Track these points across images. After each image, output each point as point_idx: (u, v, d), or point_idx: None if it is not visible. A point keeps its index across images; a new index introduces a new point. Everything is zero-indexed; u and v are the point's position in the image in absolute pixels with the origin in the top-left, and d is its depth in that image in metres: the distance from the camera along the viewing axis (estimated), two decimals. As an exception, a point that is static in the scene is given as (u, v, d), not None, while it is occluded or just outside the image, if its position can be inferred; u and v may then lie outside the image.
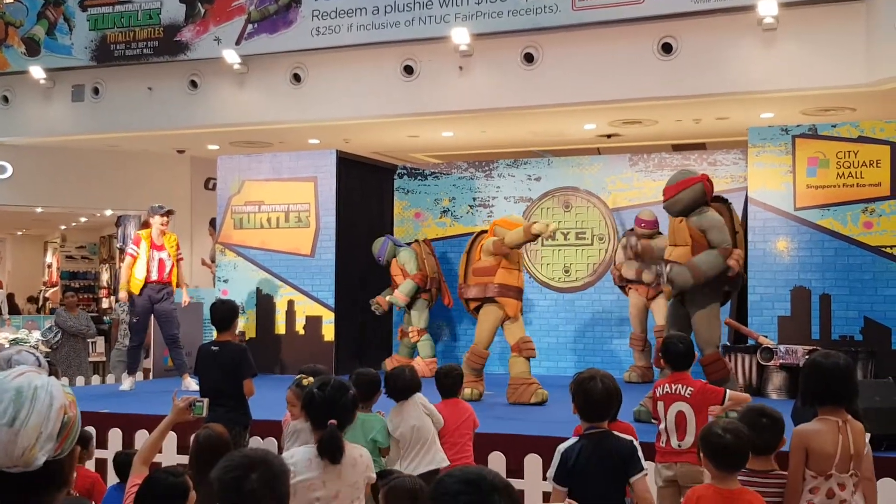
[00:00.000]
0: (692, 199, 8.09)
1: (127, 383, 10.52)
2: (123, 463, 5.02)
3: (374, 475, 4.13)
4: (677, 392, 5.44)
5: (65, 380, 9.95)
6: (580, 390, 4.26)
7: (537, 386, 9.15)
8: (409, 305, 12.13)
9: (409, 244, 12.44)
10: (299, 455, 4.09)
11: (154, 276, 10.41)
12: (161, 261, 10.45)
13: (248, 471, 2.70)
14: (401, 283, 12.00)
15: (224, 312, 6.97)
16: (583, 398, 4.25)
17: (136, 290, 10.39)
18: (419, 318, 12.14)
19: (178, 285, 10.74)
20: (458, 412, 6.12)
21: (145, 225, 11.03)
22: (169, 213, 10.55)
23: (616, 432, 4.34)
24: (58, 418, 1.79)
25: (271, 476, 2.73)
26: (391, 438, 5.68)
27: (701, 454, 4.05)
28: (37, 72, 14.13)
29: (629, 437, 4.32)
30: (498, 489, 1.82)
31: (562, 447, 4.22)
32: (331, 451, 3.97)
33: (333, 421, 4.00)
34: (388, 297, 12.14)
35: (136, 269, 10.40)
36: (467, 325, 12.58)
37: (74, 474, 1.91)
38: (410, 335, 12.13)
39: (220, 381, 6.65)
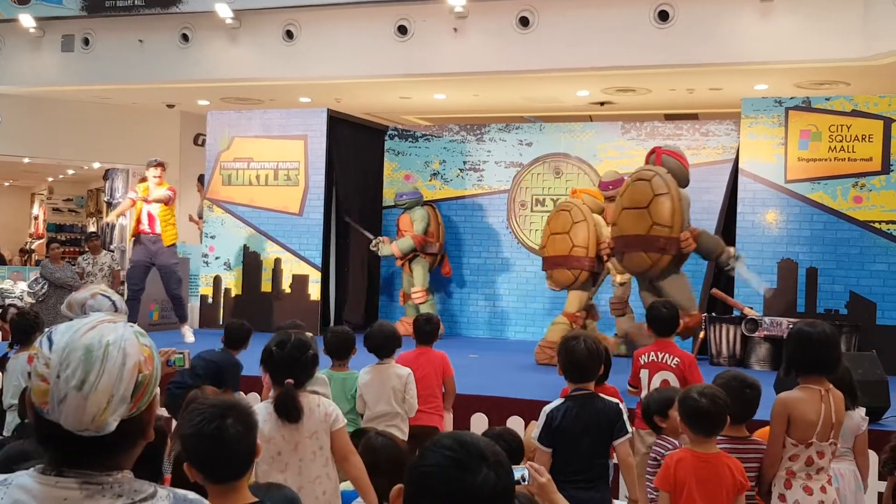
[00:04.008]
0: None
1: None
2: None
3: (342, 425, 4.07)
4: (663, 361, 5.44)
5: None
6: (564, 351, 4.27)
7: None
8: (409, 264, 12.22)
9: (426, 204, 12.46)
10: (258, 411, 4.08)
11: (146, 228, 10.65)
12: (150, 214, 10.68)
13: (223, 418, 2.68)
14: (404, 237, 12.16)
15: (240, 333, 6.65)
16: (566, 358, 4.27)
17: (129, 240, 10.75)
18: (422, 279, 12.20)
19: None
20: (430, 360, 6.15)
21: (144, 180, 11.17)
22: (160, 164, 10.76)
23: (602, 395, 4.35)
24: (131, 378, 1.65)
25: (245, 418, 2.73)
26: (358, 394, 5.68)
27: (679, 418, 4.05)
28: (26, 20, 13.93)
29: (615, 400, 4.33)
30: (486, 457, 1.68)
31: (547, 408, 4.23)
32: (287, 411, 3.93)
33: (290, 380, 3.96)
34: (385, 246, 12.17)
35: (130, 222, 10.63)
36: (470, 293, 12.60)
37: (152, 425, 1.77)
38: (415, 297, 12.14)
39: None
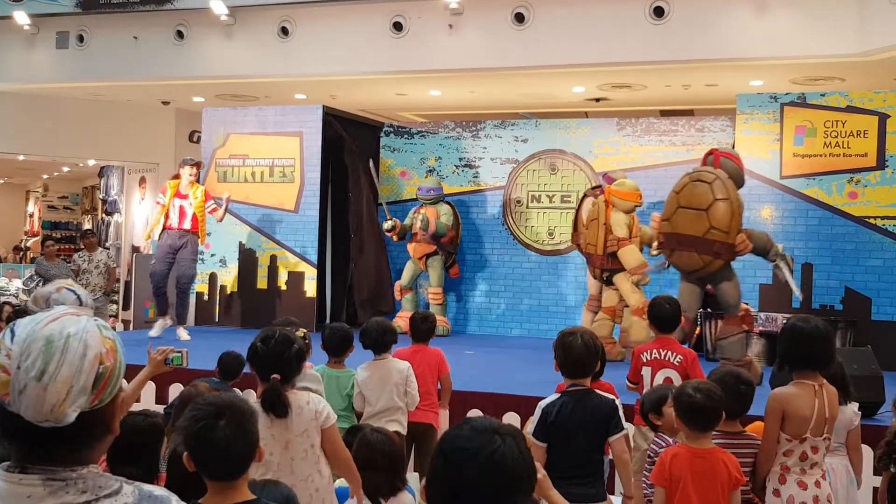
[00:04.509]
0: None
1: (157, 326, 10.93)
2: None
3: (332, 422, 4.04)
4: (666, 359, 5.42)
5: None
6: (561, 346, 4.28)
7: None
8: (427, 260, 12.02)
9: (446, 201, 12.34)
10: None
11: (174, 223, 10.83)
12: (182, 208, 10.90)
13: (216, 419, 2.68)
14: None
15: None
16: (563, 354, 4.27)
17: (157, 236, 10.96)
18: (438, 279, 12.06)
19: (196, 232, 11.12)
20: (425, 357, 6.18)
21: (176, 176, 11.37)
22: (197, 164, 11.13)
23: (598, 391, 4.35)
24: (92, 370, 1.64)
25: (241, 420, 2.72)
26: (356, 391, 5.66)
27: (674, 414, 4.06)
28: (21, 17, 13.90)
29: (611, 397, 4.34)
30: (499, 431, 1.86)
31: (543, 403, 4.24)
32: (274, 407, 3.90)
33: (276, 376, 3.93)
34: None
35: (157, 216, 10.93)
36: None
37: (118, 420, 1.76)
38: (432, 297, 12.02)
39: None
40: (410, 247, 12.08)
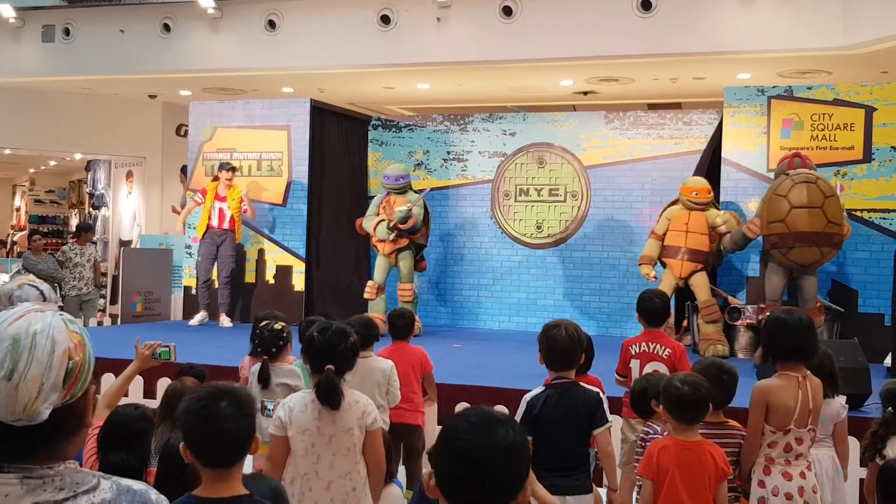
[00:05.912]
0: None
1: (196, 318, 11.88)
2: None
3: (379, 427, 4.04)
4: (654, 352, 5.43)
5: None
6: (545, 338, 4.28)
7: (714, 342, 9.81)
8: (397, 255, 11.12)
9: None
10: (295, 400, 4.04)
11: (215, 224, 11.79)
12: (221, 210, 11.76)
13: (216, 399, 2.71)
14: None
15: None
16: (547, 346, 4.27)
17: (200, 235, 11.90)
18: (409, 274, 11.18)
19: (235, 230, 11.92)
20: (407, 356, 6.08)
21: (215, 178, 11.98)
22: (232, 169, 11.90)
23: (583, 384, 4.35)
24: (61, 366, 1.64)
25: (240, 402, 2.75)
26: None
27: (661, 406, 4.06)
28: (6, 10, 13.83)
29: (595, 390, 4.34)
30: (504, 422, 2.05)
31: (528, 396, 4.24)
32: (329, 397, 3.90)
33: (331, 367, 3.93)
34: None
35: (201, 218, 11.90)
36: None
37: (91, 412, 1.77)
38: (402, 295, 11.04)
39: None
40: (381, 243, 11.11)
